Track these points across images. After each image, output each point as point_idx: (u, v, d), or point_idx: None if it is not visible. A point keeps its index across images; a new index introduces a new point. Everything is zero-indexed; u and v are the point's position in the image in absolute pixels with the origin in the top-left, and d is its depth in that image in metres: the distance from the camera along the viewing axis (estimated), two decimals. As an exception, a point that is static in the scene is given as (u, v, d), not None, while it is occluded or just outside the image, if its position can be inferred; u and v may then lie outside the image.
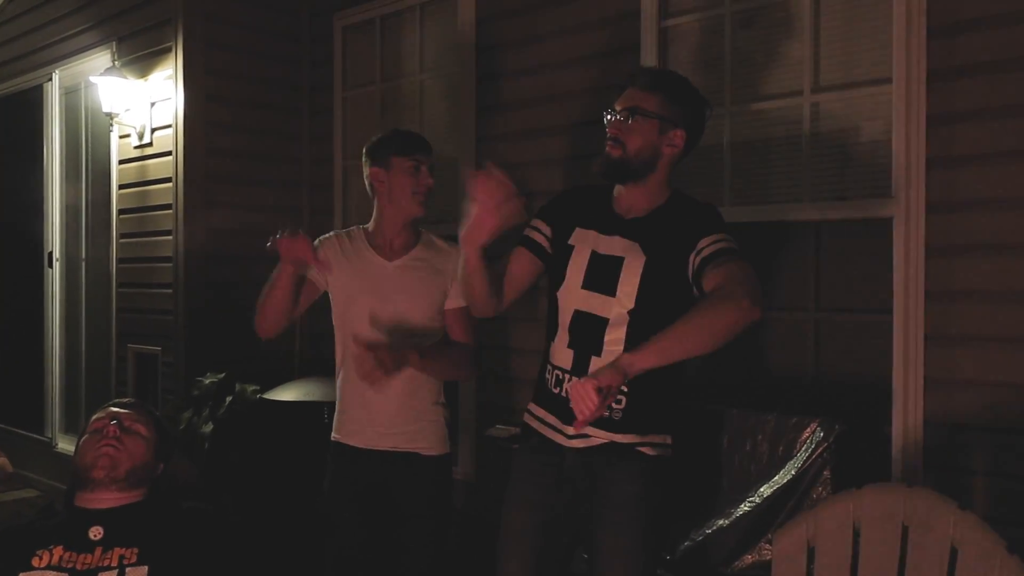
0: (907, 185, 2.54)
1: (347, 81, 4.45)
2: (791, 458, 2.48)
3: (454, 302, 2.34)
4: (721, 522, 2.51)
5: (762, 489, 2.48)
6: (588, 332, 1.96)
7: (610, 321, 1.93)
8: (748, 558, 2.45)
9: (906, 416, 2.53)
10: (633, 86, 1.98)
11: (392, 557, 2.36)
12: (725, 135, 3.02)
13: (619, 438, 1.95)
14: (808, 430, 2.48)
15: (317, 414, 3.54)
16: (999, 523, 1.83)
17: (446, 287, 2.35)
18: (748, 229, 2.99)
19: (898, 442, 2.54)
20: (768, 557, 2.31)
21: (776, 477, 2.47)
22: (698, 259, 1.86)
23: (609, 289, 1.94)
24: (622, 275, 1.93)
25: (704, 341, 1.74)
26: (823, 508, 1.97)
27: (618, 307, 1.92)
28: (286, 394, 3.63)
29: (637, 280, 1.92)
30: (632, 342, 1.88)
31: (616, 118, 1.96)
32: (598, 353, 1.94)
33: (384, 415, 2.32)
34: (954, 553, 1.77)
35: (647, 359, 1.71)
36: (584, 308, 1.97)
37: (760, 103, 2.95)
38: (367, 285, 2.34)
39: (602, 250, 1.98)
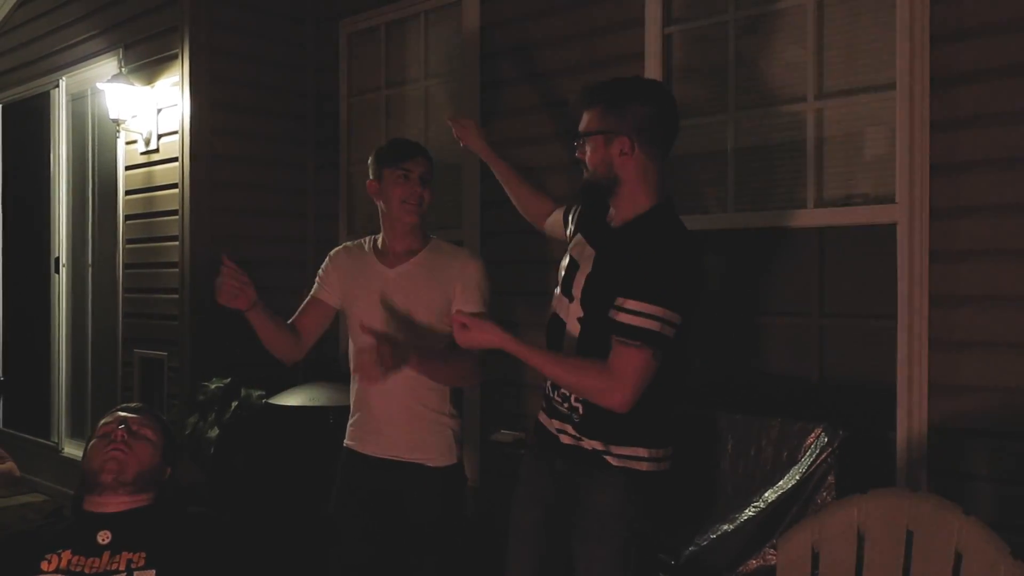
0: (911, 191, 2.54)
1: (352, 87, 4.47)
2: (795, 463, 2.48)
3: (461, 307, 2.34)
4: (726, 527, 2.51)
5: (767, 494, 2.48)
6: (556, 334, 2.03)
7: (567, 325, 1.99)
8: (753, 563, 2.45)
9: (910, 421, 2.53)
10: (581, 109, 2.03)
11: (398, 567, 2.36)
12: (729, 141, 3.03)
13: (584, 443, 1.95)
14: (812, 435, 2.48)
15: (323, 419, 3.55)
16: (1004, 528, 1.83)
17: (448, 292, 2.34)
18: (752, 234, 3.00)
19: (902, 447, 2.54)
20: (773, 562, 2.31)
21: (780, 482, 2.48)
22: (615, 314, 1.86)
23: (570, 294, 2.01)
24: (574, 281, 2.00)
25: (567, 384, 1.93)
26: (827, 513, 1.97)
27: (574, 312, 1.97)
28: (292, 399, 3.64)
29: (580, 289, 1.98)
30: (583, 349, 1.94)
31: (578, 143, 2.03)
32: None
33: (386, 422, 2.32)
34: (958, 558, 1.77)
35: (514, 348, 1.89)
36: (555, 311, 2.05)
37: (764, 109, 2.96)
38: (367, 292, 2.37)
39: (575, 255, 2.06)
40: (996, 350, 2.41)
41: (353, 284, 2.41)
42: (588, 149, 1.98)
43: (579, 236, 2.10)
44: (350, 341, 2.43)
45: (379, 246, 2.44)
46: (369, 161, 2.47)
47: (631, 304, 1.82)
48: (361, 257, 2.44)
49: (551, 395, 2.04)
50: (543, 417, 2.09)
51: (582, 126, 2.00)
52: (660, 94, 2.02)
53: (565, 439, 1.99)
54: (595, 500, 1.94)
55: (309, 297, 2.48)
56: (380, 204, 2.42)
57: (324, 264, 2.50)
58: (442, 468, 2.34)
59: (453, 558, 2.35)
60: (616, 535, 1.92)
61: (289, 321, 2.44)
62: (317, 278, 2.49)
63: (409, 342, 2.22)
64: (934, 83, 2.51)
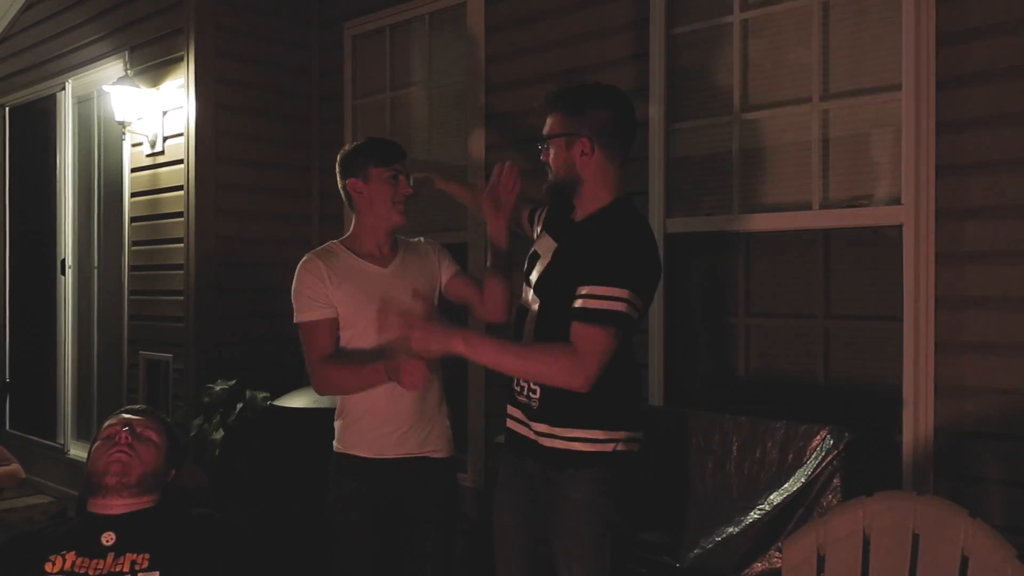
0: (916, 192, 2.53)
1: (357, 90, 4.48)
2: (801, 466, 2.47)
3: (450, 270, 2.45)
4: (731, 530, 2.50)
5: (772, 497, 2.48)
6: (519, 323, 2.11)
7: (528, 313, 2.08)
8: (758, 566, 2.45)
9: (916, 423, 2.52)
10: (544, 114, 2.12)
11: (401, 563, 2.36)
12: (734, 143, 3.02)
13: (545, 441, 2.00)
14: (818, 437, 2.47)
15: (327, 421, 3.54)
16: (1011, 531, 1.82)
17: (435, 273, 2.44)
18: (757, 236, 3.00)
19: (908, 449, 2.53)
20: (778, 565, 2.30)
21: (786, 485, 2.47)
22: (580, 301, 1.91)
23: (531, 283, 2.11)
24: (534, 270, 2.11)
25: (525, 375, 2.00)
26: (833, 516, 1.97)
27: (533, 302, 2.07)
28: (296, 401, 3.64)
29: (537, 278, 2.09)
30: (540, 331, 2.03)
31: (541, 148, 2.13)
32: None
33: (395, 422, 2.32)
34: (965, 561, 1.76)
35: (472, 350, 1.92)
36: (520, 301, 2.14)
37: (769, 110, 2.95)
38: (370, 296, 2.31)
39: (538, 248, 2.16)
40: (1003, 352, 2.40)
41: (349, 290, 2.31)
42: (552, 152, 2.07)
43: (544, 232, 2.20)
44: (343, 345, 2.34)
45: (357, 248, 2.37)
46: (343, 158, 2.41)
47: (598, 290, 1.90)
48: (345, 262, 2.34)
49: (513, 386, 2.10)
50: (511, 410, 2.14)
51: (546, 130, 2.10)
52: (618, 99, 2.09)
53: (529, 434, 2.04)
54: (566, 495, 1.98)
55: (315, 322, 2.29)
56: (360, 204, 2.36)
57: (304, 282, 2.31)
58: (443, 460, 2.40)
59: (454, 553, 2.38)
60: (590, 527, 1.97)
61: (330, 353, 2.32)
62: (307, 298, 2.30)
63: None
64: (940, 84, 2.51)
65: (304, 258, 2.37)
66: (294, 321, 2.33)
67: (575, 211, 2.11)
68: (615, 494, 1.99)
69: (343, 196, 2.43)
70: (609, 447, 1.97)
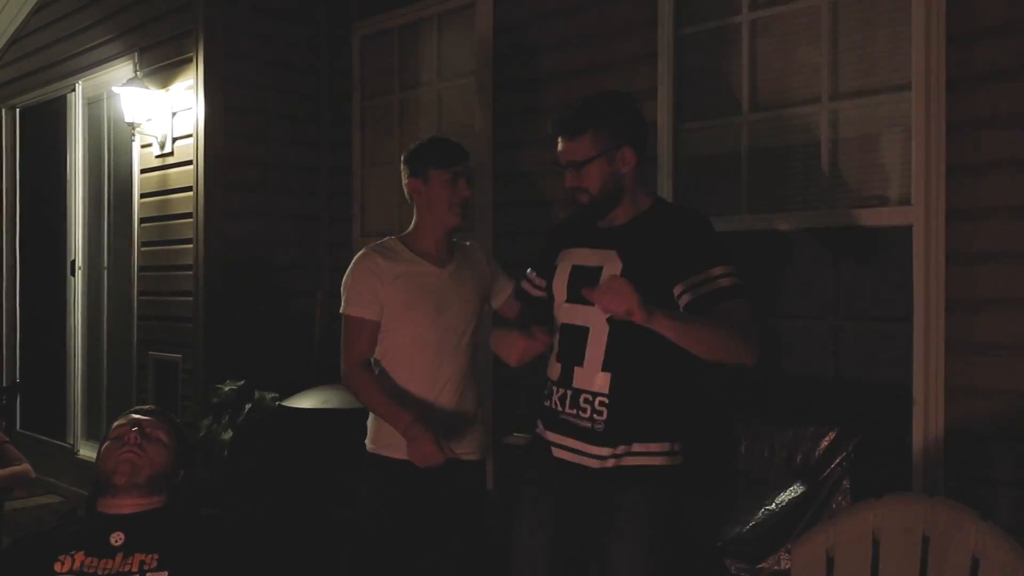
0: (927, 192, 2.52)
1: (365, 91, 4.48)
2: (810, 467, 2.46)
3: (505, 290, 2.51)
4: (738, 530, 2.49)
5: (781, 498, 2.47)
6: (572, 343, 2.02)
7: (590, 330, 1.99)
8: (767, 567, 2.44)
9: (927, 425, 2.51)
10: (562, 136, 2.05)
11: (425, 564, 2.38)
12: (743, 143, 3.01)
13: (609, 462, 1.96)
14: (827, 439, 2.46)
15: (335, 422, 3.55)
16: (1022, 534, 1.81)
17: (487, 282, 2.49)
18: (766, 237, 2.99)
19: (919, 451, 2.52)
20: (787, 566, 2.29)
21: (795, 486, 2.46)
22: (711, 285, 1.90)
23: (580, 298, 1.97)
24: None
25: (708, 351, 1.86)
26: (843, 518, 1.96)
27: (596, 316, 1.94)
28: (305, 401, 3.65)
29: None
30: (615, 351, 1.96)
31: (568, 173, 2.03)
32: (580, 363, 2.00)
33: (433, 424, 2.28)
34: (975, 564, 1.75)
35: (664, 324, 1.78)
36: (568, 321, 2.04)
37: (778, 111, 2.94)
38: (424, 293, 2.33)
39: (581, 262, 2.05)
40: (1014, 353, 2.38)
41: (404, 286, 2.33)
42: (588, 174, 2.00)
43: (571, 249, 2.10)
44: (389, 344, 2.35)
45: (415, 246, 2.39)
46: (406, 158, 2.42)
47: (717, 271, 1.90)
48: (404, 260, 2.36)
49: (560, 410, 2.04)
50: (551, 436, 2.07)
51: (578, 155, 2.00)
52: (628, 100, 2.08)
53: (590, 462, 1.98)
54: (631, 503, 1.95)
55: (360, 320, 2.32)
56: (419, 204, 2.39)
57: (358, 276, 2.34)
58: (474, 463, 2.41)
59: (476, 556, 2.40)
60: (650, 532, 1.94)
61: (362, 358, 2.37)
62: (357, 293, 2.33)
63: (459, 344, 2.37)
64: (951, 83, 2.49)
65: (362, 252, 2.41)
66: (340, 311, 2.37)
67: (605, 220, 2.04)
68: (668, 500, 1.97)
69: (405, 194, 2.44)
70: (672, 460, 1.98)
